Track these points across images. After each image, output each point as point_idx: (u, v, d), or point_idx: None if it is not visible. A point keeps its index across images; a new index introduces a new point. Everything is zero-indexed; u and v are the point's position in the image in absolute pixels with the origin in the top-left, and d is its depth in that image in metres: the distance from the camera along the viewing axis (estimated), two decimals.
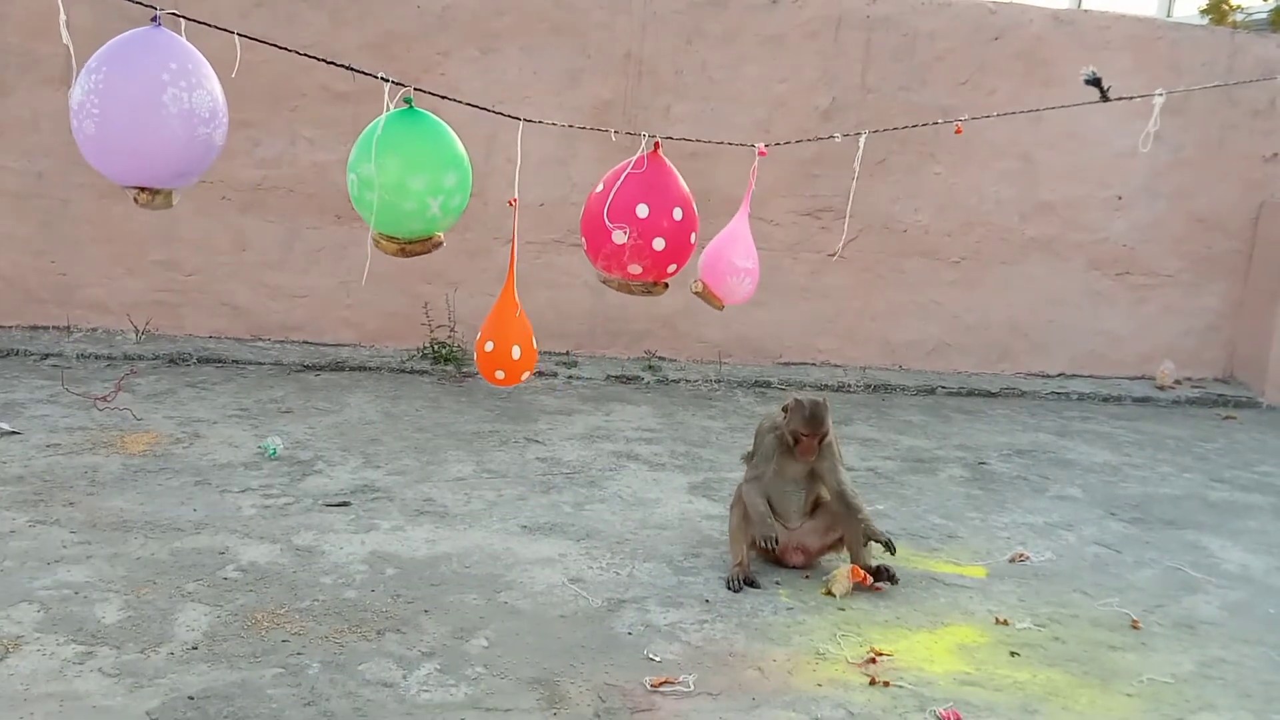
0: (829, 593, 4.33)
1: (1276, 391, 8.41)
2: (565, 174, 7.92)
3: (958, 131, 4.07)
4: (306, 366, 7.48)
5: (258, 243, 7.91)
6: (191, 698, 3.28)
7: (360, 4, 7.68)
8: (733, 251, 3.71)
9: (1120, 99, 3.74)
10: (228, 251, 7.89)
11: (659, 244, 3.35)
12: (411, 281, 7.84)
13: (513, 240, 3.60)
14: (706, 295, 3.75)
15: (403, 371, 7.57)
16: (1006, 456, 6.60)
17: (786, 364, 8.47)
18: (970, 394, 8.19)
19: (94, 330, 7.84)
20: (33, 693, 3.25)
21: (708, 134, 7.75)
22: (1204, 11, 13.35)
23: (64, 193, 7.68)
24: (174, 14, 2.94)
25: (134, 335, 7.79)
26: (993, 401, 8.06)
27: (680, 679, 3.57)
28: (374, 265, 8.86)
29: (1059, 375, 8.80)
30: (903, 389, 8.12)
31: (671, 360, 8.30)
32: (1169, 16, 16.30)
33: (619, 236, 3.34)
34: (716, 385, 7.85)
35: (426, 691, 3.42)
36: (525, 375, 3.63)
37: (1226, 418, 8.04)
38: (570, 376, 7.72)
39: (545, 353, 8.20)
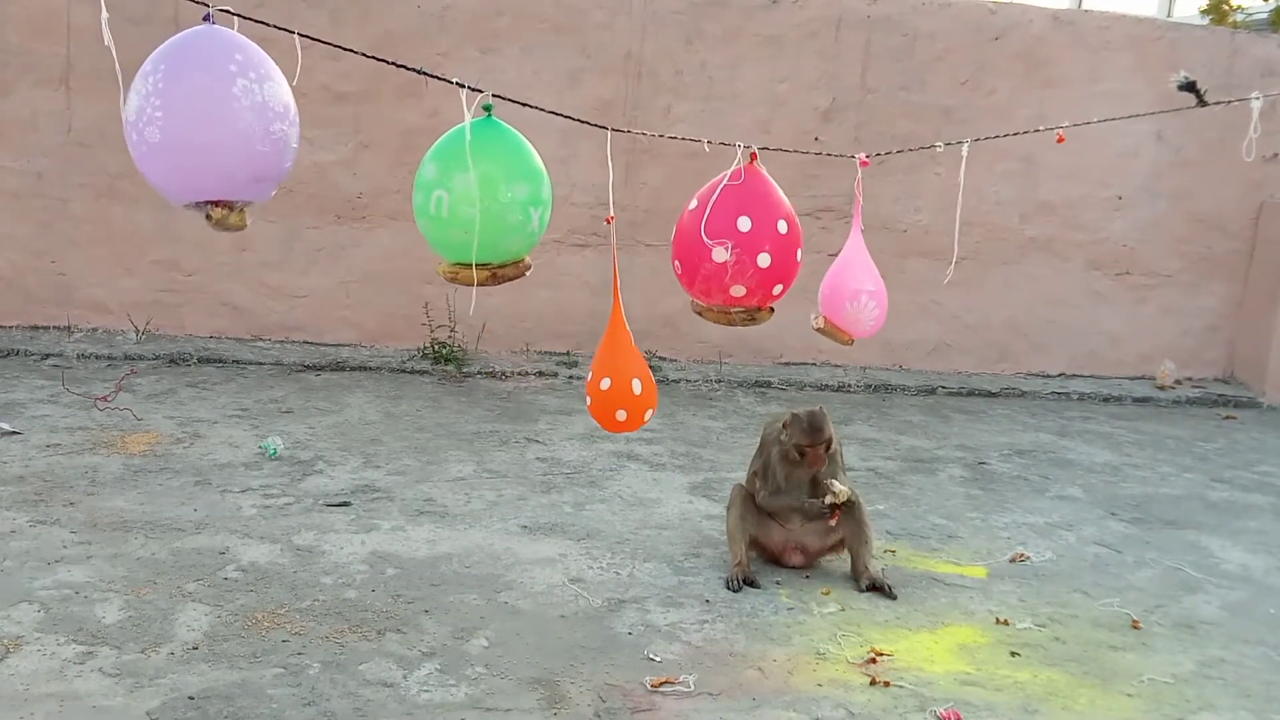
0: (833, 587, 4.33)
1: (1276, 391, 8.40)
2: (565, 174, 7.92)
3: (1060, 140, 3.69)
4: (307, 366, 7.48)
5: (258, 243, 7.91)
6: (192, 698, 3.28)
7: (360, 4, 7.68)
8: (849, 276, 3.44)
9: (1217, 103, 3.64)
10: (228, 251, 7.89)
11: (764, 260, 3.02)
12: (411, 281, 7.84)
13: (614, 262, 3.26)
14: (830, 330, 3.50)
15: (403, 371, 7.57)
16: (1007, 456, 6.60)
17: (787, 364, 8.47)
18: (970, 394, 8.19)
19: (94, 330, 7.84)
20: (33, 693, 3.25)
21: (708, 134, 7.73)
22: (1204, 11, 13.33)
23: (64, 193, 7.68)
24: (226, 11, 2.64)
25: (134, 335, 7.79)
26: (993, 401, 8.06)
27: (680, 679, 3.57)
28: (374, 265, 8.88)
29: (1059, 375, 8.80)
30: (903, 389, 8.12)
31: (672, 360, 8.30)
32: (1169, 16, 16.29)
33: (719, 254, 3.00)
34: (717, 385, 7.85)
35: (427, 691, 3.42)
36: (649, 414, 3.20)
37: (1226, 418, 8.04)
38: (570, 376, 7.72)
39: (545, 353, 8.22)
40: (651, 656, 3.73)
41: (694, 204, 3.15)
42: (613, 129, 3.17)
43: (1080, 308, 8.76)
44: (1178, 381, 8.71)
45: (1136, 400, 8.31)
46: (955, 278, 8.54)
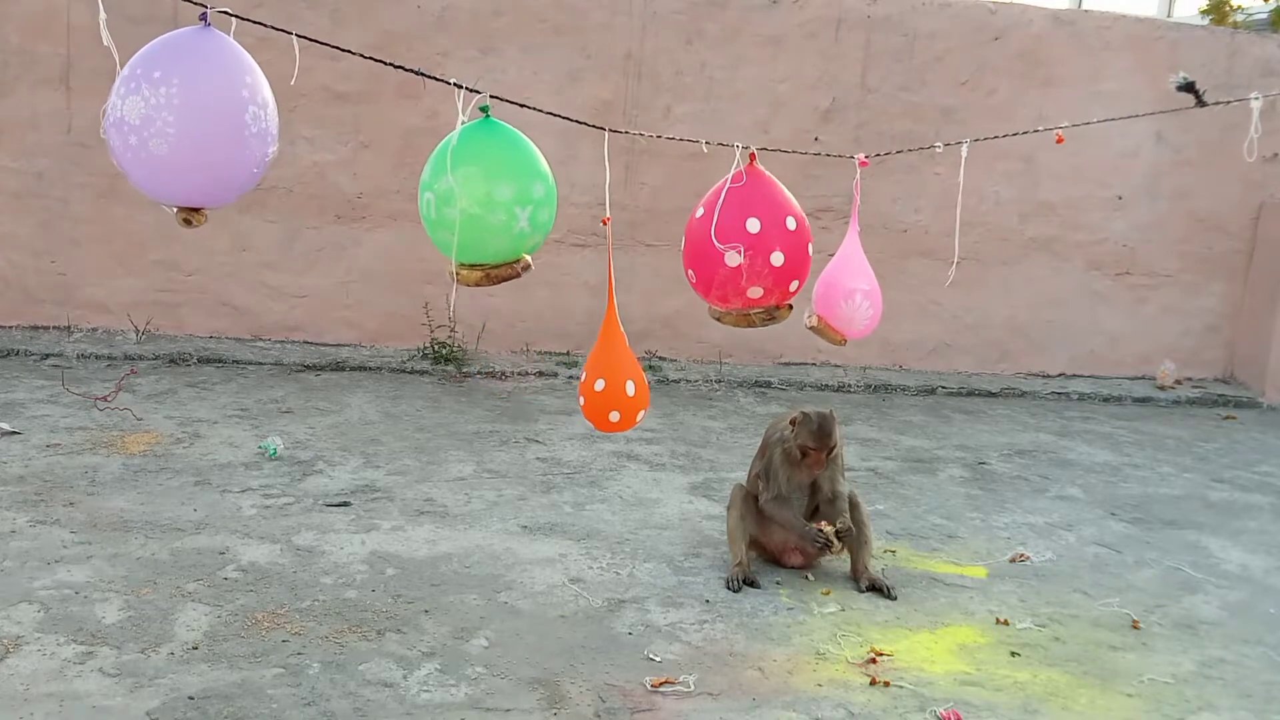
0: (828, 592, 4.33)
1: (1276, 391, 8.40)
2: (565, 174, 7.90)
3: (1059, 141, 3.75)
4: (306, 366, 7.48)
5: (258, 243, 7.91)
6: (191, 698, 3.28)
7: (360, 4, 7.69)
8: (844, 275, 3.45)
9: (1217, 104, 3.64)
10: (227, 251, 7.89)
11: (777, 258, 3.05)
12: (411, 281, 7.84)
13: (609, 264, 3.26)
14: (823, 329, 3.50)
15: (403, 371, 7.57)
16: (1007, 456, 6.60)
17: (787, 364, 8.47)
18: (970, 394, 8.19)
19: (94, 330, 7.84)
20: (33, 693, 3.25)
21: (708, 134, 7.75)
22: (1204, 11, 13.33)
23: (64, 193, 7.68)
24: (225, 12, 2.64)
25: (134, 335, 7.79)
26: (993, 401, 8.06)
27: (680, 679, 3.57)
28: (374, 264, 8.88)
29: (1059, 375, 8.80)
30: (903, 389, 8.12)
31: (672, 360, 8.30)
32: (1169, 16, 16.29)
33: (732, 258, 3.02)
34: (717, 385, 7.85)
35: (427, 691, 3.42)
36: (641, 415, 3.25)
37: (1226, 418, 8.04)
38: (570, 376, 7.72)
39: (545, 353, 8.22)
40: (651, 656, 3.73)
41: (700, 212, 3.15)
42: (610, 129, 3.18)
43: (1080, 308, 8.76)
44: (1178, 381, 8.71)
45: (1136, 400, 8.31)
46: (955, 277, 8.55)
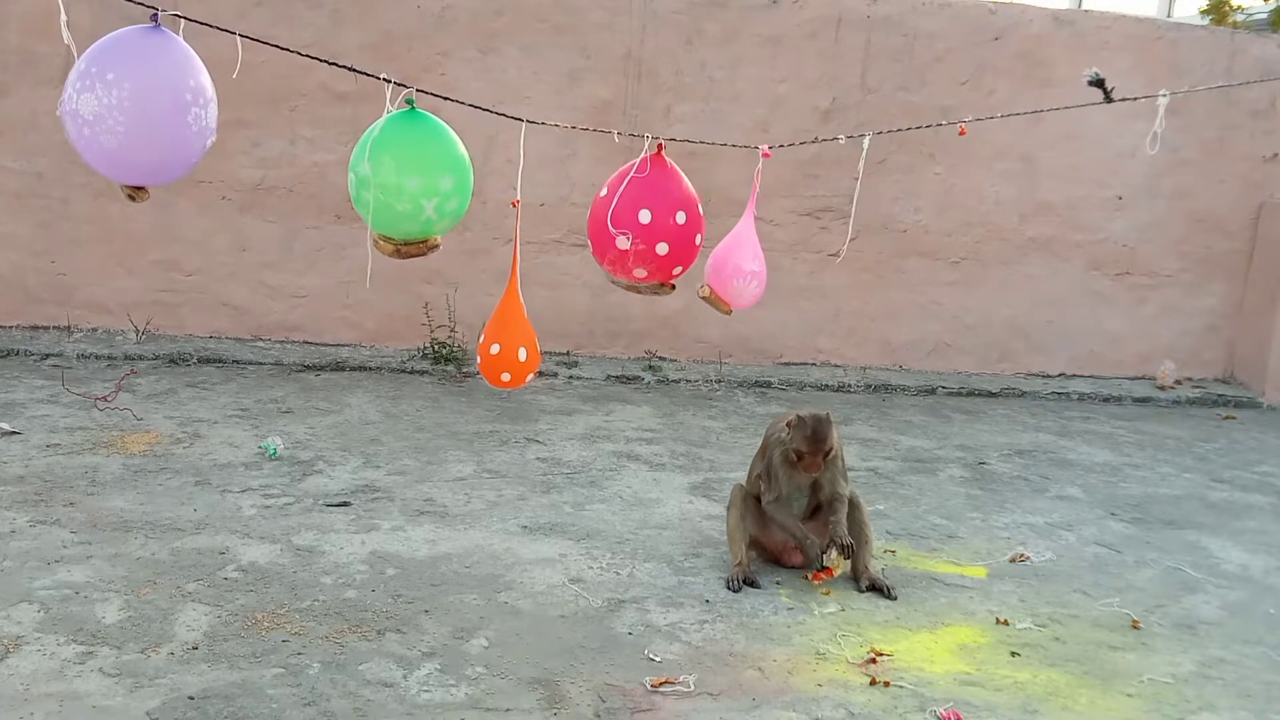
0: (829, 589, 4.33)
1: (1276, 391, 8.40)
2: (565, 173, 7.92)
3: (961, 133, 4.06)
4: (306, 366, 7.48)
5: (257, 243, 7.91)
6: (191, 698, 3.28)
7: (360, 4, 7.68)
8: (738, 255, 3.71)
9: (1124, 100, 3.73)
10: (227, 251, 7.89)
11: (662, 249, 3.37)
12: (411, 281, 7.84)
13: (515, 240, 3.61)
14: (713, 300, 3.76)
15: (403, 371, 7.57)
16: (1006, 456, 6.60)
17: (787, 364, 8.47)
18: (970, 394, 8.19)
19: (94, 330, 7.84)
20: (33, 693, 3.25)
21: (708, 134, 7.76)
22: (1204, 11, 13.35)
23: (63, 193, 7.68)
24: (175, 15, 2.92)
25: (134, 335, 7.79)
26: (993, 401, 8.06)
27: (680, 679, 3.57)
28: (374, 265, 8.86)
29: (1059, 375, 8.80)
30: (903, 389, 8.12)
31: (672, 360, 8.30)
32: (1169, 16, 16.29)
33: (622, 242, 3.36)
34: (717, 385, 7.85)
35: (427, 691, 3.42)
36: (529, 377, 3.60)
37: (1226, 418, 8.04)
38: (570, 376, 7.72)
39: (545, 353, 8.19)
40: (651, 656, 3.73)
41: (604, 191, 3.46)
42: (526, 120, 3.48)
43: (1080, 308, 8.76)
44: (1178, 382, 8.71)
45: (1136, 400, 8.31)
46: (955, 277, 8.58)
